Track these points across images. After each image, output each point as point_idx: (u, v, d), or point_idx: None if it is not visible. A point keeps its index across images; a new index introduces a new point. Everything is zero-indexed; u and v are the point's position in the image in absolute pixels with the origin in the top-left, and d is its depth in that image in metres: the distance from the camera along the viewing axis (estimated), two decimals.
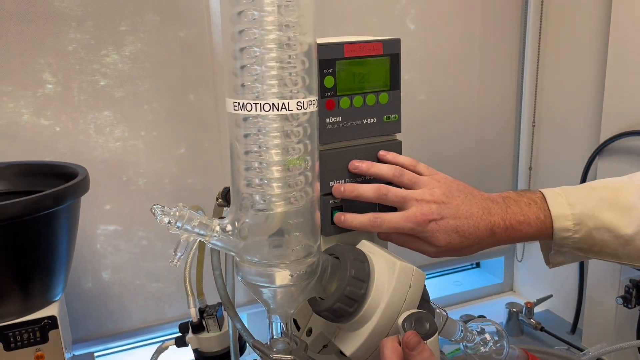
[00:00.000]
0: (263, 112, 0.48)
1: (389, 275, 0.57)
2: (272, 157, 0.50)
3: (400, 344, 0.53)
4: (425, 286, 0.61)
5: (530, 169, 1.34)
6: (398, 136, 0.68)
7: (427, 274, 0.62)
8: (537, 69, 1.28)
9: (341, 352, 0.64)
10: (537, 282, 1.39)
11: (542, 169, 1.32)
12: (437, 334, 0.55)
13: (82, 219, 0.95)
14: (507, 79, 1.30)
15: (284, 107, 0.49)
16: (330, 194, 0.65)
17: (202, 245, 0.81)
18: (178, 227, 0.50)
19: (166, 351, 0.86)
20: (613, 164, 1.08)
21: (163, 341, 0.87)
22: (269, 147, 0.50)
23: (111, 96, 0.98)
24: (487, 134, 1.31)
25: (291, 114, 0.49)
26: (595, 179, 1.13)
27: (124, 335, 1.10)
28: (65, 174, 0.78)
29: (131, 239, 1.05)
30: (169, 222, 0.49)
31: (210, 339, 0.81)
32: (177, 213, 0.50)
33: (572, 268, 1.25)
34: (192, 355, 0.85)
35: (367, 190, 0.63)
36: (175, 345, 0.84)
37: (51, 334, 0.75)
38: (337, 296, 0.56)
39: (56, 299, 0.79)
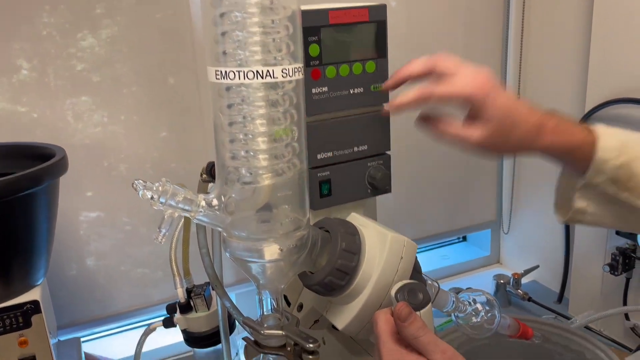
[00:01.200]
0: (247, 80, 0.46)
1: (380, 247, 0.56)
2: (258, 127, 0.48)
3: (393, 316, 0.52)
4: (416, 257, 0.60)
5: None
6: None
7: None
8: (521, 41, 1.26)
9: (333, 327, 0.63)
10: (524, 254, 1.40)
11: None
12: (430, 304, 0.54)
13: (64, 207, 0.93)
14: (491, 53, 1.29)
15: (268, 74, 0.46)
16: (318, 166, 0.63)
17: (187, 223, 0.79)
18: (162, 203, 0.48)
19: (155, 333, 0.85)
20: None
21: (151, 324, 0.86)
22: (253, 117, 0.48)
23: (89, 81, 0.96)
24: None
25: (276, 82, 0.47)
26: None
27: (110, 319, 1.08)
28: (42, 155, 0.75)
29: (115, 225, 1.03)
30: (152, 198, 0.47)
31: (199, 319, 0.80)
32: (161, 188, 0.48)
33: (559, 238, 1.25)
34: (180, 337, 0.84)
35: (416, 64, 0.60)
36: (163, 327, 0.83)
37: (34, 318, 0.73)
38: (328, 269, 0.55)
39: (38, 283, 0.76)
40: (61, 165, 0.72)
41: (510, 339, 0.76)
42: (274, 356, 0.56)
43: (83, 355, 0.90)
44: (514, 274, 1.26)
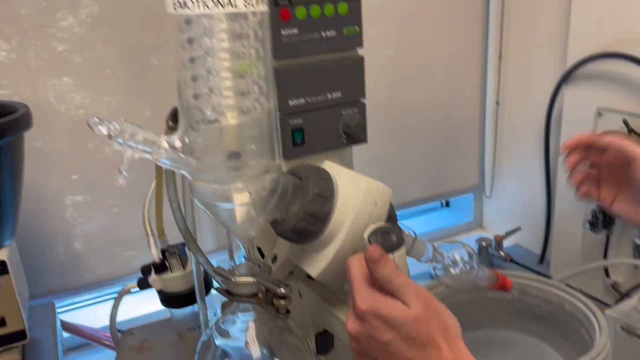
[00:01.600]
0: (207, 10, 0.44)
1: (354, 192, 0.55)
2: (221, 62, 0.46)
3: (365, 260, 0.50)
4: (392, 205, 0.59)
5: (497, 103, 1.32)
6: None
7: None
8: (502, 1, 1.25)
9: (308, 277, 0.62)
10: (506, 218, 1.40)
11: (509, 103, 1.31)
12: (403, 246, 0.53)
13: (50, 191, 0.91)
14: (472, 9, 1.27)
15: (229, 3, 0.44)
16: (291, 113, 0.61)
17: (159, 183, 0.77)
18: (120, 143, 0.46)
19: (133, 302, 0.83)
20: (579, 90, 1.07)
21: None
22: (216, 51, 0.46)
23: (70, 62, 0.93)
24: (455, 71, 1.29)
25: (239, 12, 0.45)
26: (562, 108, 1.12)
27: (88, 288, 1.07)
28: (4, 114, 0.72)
29: (101, 208, 1.01)
30: (109, 136, 0.45)
31: (175, 279, 0.78)
32: (118, 127, 0.45)
33: (540, 201, 1.25)
34: (158, 305, 0.82)
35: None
36: (138, 288, 0.81)
37: (2, 280, 0.71)
38: (300, 215, 0.53)
39: (5, 244, 0.74)
40: (23, 121, 0.69)
41: (489, 290, 0.75)
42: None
43: (58, 321, 0.88)
44: (495, 236, 1.26)
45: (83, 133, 0.96)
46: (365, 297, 0.49)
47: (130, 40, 0.96)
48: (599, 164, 0.73)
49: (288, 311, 0.52)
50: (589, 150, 0.72)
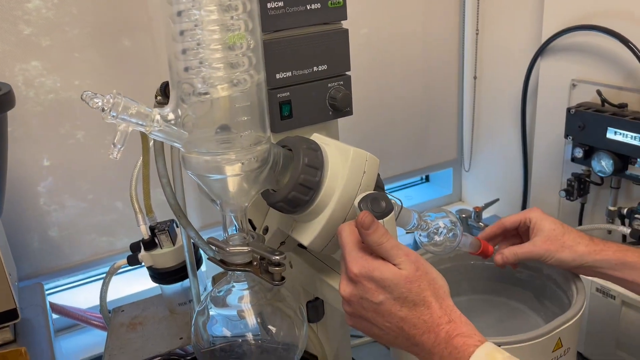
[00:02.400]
0: None
1: (343, 162, 0.56)
2: (211, 34, 0.47)
3: (356, 226, 0.52)
4: (379, 174, 0.61)
5: (475, 78, 1.35)
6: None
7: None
8: None
9: (300, 246, 0.63)
10: (485, 190, 1.44)
11: (486, 77, 1.33)
12: (392, 212, 0.55)
13: (22, 178, 0.89)
14: None
15: None
16: (278, 87, 0.62)
17: (146, 160, 0.77)
18: (113, 117, 0.46)
19: (123, 282, 0.83)
20: (554, 63, 1.10)
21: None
22: (205, 22, 0.46)
23: (38, 45, 0.90)
24: (432, 46, 1.30)
25: None
26: (538, 80, 1.15)
27: (74, 269, 1.06)
28: None
29: (76, 194, 1.00)
30: (103, 110, 0.45)
31: (165, 255, 0.79)
32: (112, 100, 0.46)
33: (518, 173, 1.29)
34: (149, 283, 0.83)
35: None
36: (128, 264, 0.82)
37: None
38: (291, 185, 0.54)
39: None
40: (6, 99, 0.69)
41: (471, 255, 0.78)
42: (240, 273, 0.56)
43: (47, 302, 0.88)
44: (475, 208, 1.28)
45: (54, 118, 0.94)
46: (357, 261, 0.51)
47: (100, 22, 0.94)
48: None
49: (283, 278, 0.53)
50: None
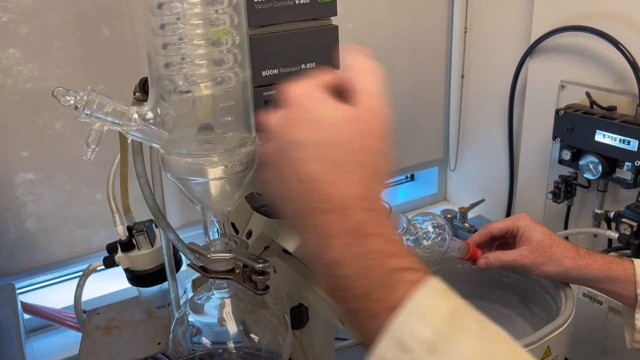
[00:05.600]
0: None
1: None
2: (194, 28, 0.44)
3: None
4: None
5: (462, 77, 1.33)
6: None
7: None
8: None
9: (284, 251, 0.61)
10: (470, 190, 1.43)
11: (474, 76, 1.32)
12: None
13: None
14: None
15: None
16: (264, 85, 0.59)
17: (124, 157, 0.74)
18: (87, 115, 0.43)
19: (99, 282, 0.80)
20: (543, 63, 1.09)
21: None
22: (188, 16, 0.43)
23: (16, 33, 0.87)
24: (420, 45, 1.28)
25: None
26: (526, 81, 1.14)
27: (49, 267, 1.03)
28: None
29: (54, 185, 0.97)
30: (76, 107, 0.42)
31: (143, 257, 0.76)
32: (85, 97, 0.43)
33: (504, 173, 1.28)
34: (125, 283, 0.80)
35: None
36: (104, 266, 0.78)
37: None
38: None
39: None
40: None
41: (460, 260, 0.77)
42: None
43: (19, 302, 0.85)
44: (460, 208, 1.27)
45: (32, 107, 0.92)
46: (302, 86, 0.40)
47: (80, 10, 0.91)
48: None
49: (267, 287, 0.51)
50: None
